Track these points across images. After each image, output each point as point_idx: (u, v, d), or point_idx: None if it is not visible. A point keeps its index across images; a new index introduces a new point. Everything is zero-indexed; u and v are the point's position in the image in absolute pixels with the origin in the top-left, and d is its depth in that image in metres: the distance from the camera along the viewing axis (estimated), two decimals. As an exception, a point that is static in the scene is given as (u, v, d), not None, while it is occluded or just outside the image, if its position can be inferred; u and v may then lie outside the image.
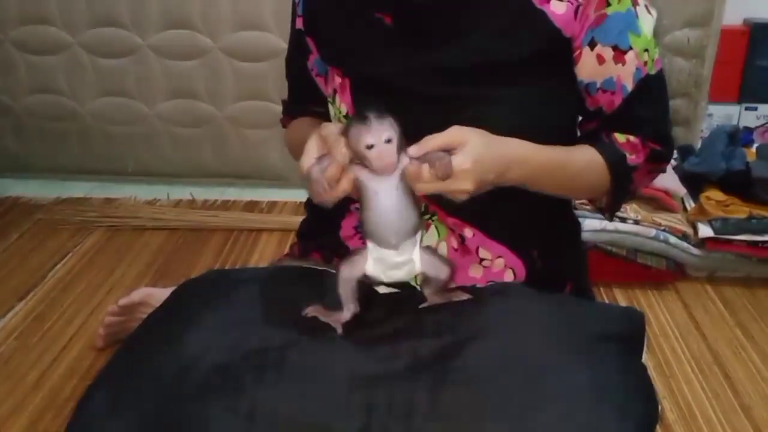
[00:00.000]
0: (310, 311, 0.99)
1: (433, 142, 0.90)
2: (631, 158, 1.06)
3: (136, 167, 2.53)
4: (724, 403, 1.50)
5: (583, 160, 1.04)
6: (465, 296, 0.99)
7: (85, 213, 2.31)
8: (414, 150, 0.89)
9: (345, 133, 0.90)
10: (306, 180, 0.93)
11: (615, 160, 1.05)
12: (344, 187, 0.91)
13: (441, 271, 0.98)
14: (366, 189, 0.91)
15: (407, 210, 0.93)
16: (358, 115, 0.90)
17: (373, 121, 0.87)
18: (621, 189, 1.08)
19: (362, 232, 0.95)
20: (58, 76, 2.43)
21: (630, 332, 1.02)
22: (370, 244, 0.95)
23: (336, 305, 0.99)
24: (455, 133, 0.91)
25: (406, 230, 0.94)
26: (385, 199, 0.92)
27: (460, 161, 0.89)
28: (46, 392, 1.51)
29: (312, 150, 0.95)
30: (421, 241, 0.97)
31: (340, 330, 0.97)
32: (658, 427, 0.94)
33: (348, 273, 0.97)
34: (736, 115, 2.43)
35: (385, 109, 0.88)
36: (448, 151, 0.90)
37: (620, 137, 1.06)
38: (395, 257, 0.95)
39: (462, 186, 0.90)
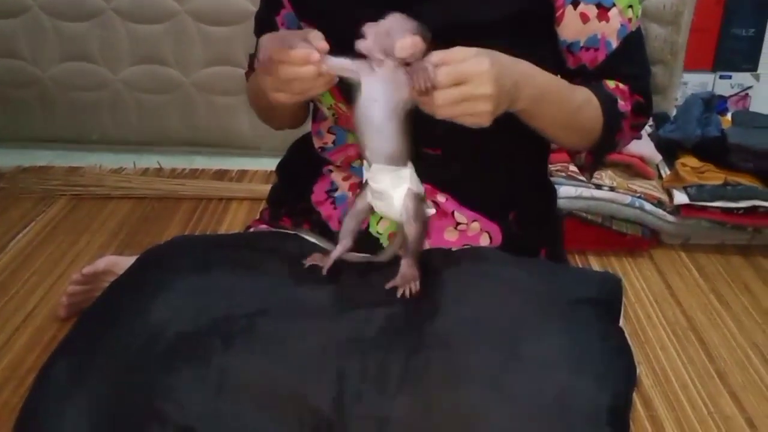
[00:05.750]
0: (309, 260, 0.98)
1: (434, 57, 0.86)
2: (621, 104, 1.04)
3: (101, 135, 2.47)
4: (699, 368, 1.51)
5: (581, 95, 1.02)
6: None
7: (49, 182, 2.26)
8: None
9: None
10: (273, 64, 0.89)
11: (608, 102, 1.03)
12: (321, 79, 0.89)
13: (410, 228, 0.95)
14: (354, 81, 0.91)
15: (383, 125, 0.91)
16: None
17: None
18: (609, 137, 1.06)
19: None
20: (18, 41, 2.36)
21: (607, 296, 1.01)
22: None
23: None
24: (460, 48, 0.87)
25: (378, 148, 0.92)
26: (366, 98, 0.90)
27: (476, 62, 0.85)
28: (7, 364, 1.48)
29: (292, 32, 0.94)
30: (415, 184, 0.95)
31: (324, 271, 0.96)
32: (634, 392, 0.94)
33: (360, 204, 0.98)
34: (711, 83, 2.43)
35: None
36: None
37: (610, 83, 1.05)
38: (372, 182, 0.94)
39: (482, 89, 0.84)
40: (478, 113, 0.86)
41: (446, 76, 0.84)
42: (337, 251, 0.98)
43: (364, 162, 0.95)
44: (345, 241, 0.98)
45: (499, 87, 0.86)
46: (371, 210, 0.99)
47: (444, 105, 0.85)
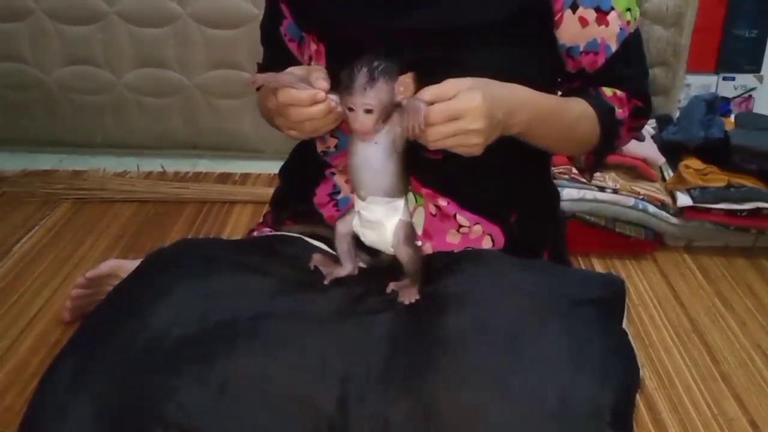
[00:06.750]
0: (315, 258, 0.99)
1: (426, 93, 0.87)
2: (619, 111, 1.05)
3: (104, 138, 2.47)
4: (702, 370, 1.51)
5: (577, 110, 1.03)
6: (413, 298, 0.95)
7: (52, 185, 2.26)
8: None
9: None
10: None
11: (605, 112, 1.04)
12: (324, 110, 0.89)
13: (401, 253, 0.95)
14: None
15: (383, 165, 0.91)
16: (353, 67, 0.88)
17: (357, 89, 0.86)
18: (607, 143, 1.07)
19: None
20: (21, 44, 2.36)
21: (610, 297, 1.01)
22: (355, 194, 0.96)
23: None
24: (451, 83, 0.88)
25: (376, 185, 0.92)
26: (361, 142, 0.91)
27: (468, 98, 0.86)
28: (12, 368, 1.48)
29: (295, 71, 0.93)
30: (405, 215, 0.95)
31: (327, 281, 0.97)
32: (637, 394, 0.93)
33: (341, 228, 0.99)
34: (714, 85, 2.43)
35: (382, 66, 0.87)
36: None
37: (607, 91, 1.05)
38: (366, 212, 0.94)
39: (474, 124, 0.86)
40: (469, 145, 0.88)
41: (439, 114, 0.86)
42: (341, 273, 0.98)
43: (356, 196, 0.95)
44: (348, 266, 0.99)
45: (491, 119, 0.87)
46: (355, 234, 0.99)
47: (437, 141, 0.87)
